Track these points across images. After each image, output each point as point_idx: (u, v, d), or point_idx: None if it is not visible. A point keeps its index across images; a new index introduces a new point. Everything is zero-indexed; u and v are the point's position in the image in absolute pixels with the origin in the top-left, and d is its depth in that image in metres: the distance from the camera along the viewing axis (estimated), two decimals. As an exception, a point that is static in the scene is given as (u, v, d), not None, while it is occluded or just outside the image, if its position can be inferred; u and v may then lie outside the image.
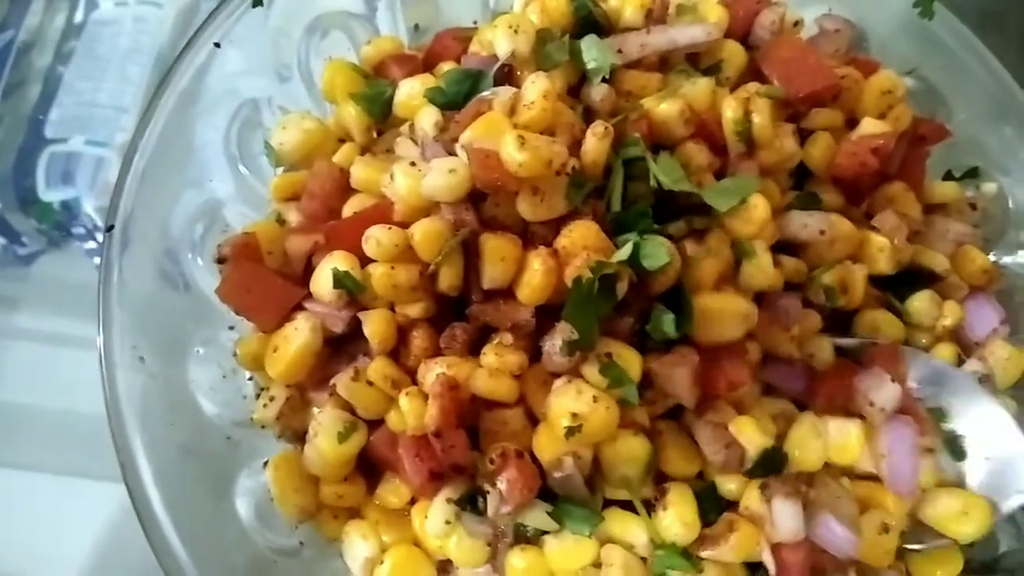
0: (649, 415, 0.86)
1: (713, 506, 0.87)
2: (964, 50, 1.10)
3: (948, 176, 1.09)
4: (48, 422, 1.26)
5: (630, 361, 0.85)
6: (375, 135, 1.02)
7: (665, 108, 0.91)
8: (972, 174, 1.08)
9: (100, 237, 1.35)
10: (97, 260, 1.35)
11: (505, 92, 0.88)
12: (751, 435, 0.86)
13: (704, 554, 0.85)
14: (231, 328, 0.95)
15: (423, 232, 0.84)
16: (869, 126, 0.97)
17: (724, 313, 0.87)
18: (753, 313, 0.88)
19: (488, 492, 0.83)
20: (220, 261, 0.92)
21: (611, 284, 0.81)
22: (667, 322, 0.85)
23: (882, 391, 0.91)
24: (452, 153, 0.87)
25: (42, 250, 1.40)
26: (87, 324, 1.29)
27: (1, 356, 1.31)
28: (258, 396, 0.93)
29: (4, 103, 1.46)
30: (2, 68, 1.50)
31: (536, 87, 0.86)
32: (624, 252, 0.83)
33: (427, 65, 1.04)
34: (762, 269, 0.90)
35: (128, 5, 1.54)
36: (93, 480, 1.20)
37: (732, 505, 0.88)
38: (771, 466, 0.86)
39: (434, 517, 0.85)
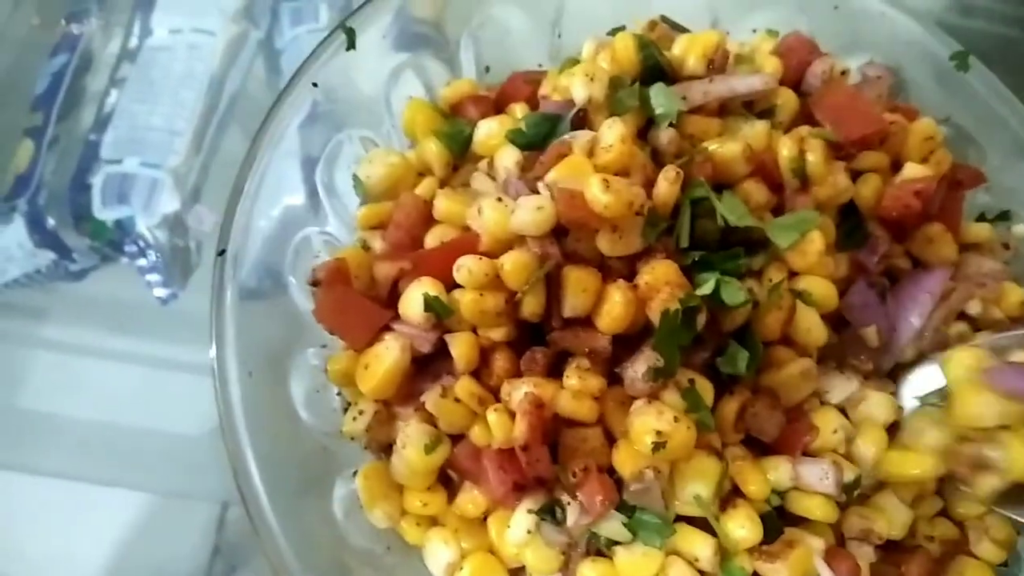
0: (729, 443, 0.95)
1: (774, 525, 0.94)
2: (995, 99, 1.18)
3: (981, 218, 1.16)
4: (80, 432, 1.32)
5: (705, 389, 0.93)
6: (452, 170, 1.09)
7: (729, 148, 0.99)
8: (1004, 217, 1.16)
9: (153, 255, 1.43)
10: (148, 278, 1.43)
11: (584, 135, 0.96)
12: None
13: (761, 568, 0.92)
14: (323, 346, 1.02)
15: (512, 263, 0.91)
16: (912, 171, 1.05)
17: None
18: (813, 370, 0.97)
19: (568, 504, 0.90)
20: (314, 284, 0.99)
21: (693, 317, 0.88)
22: (741, 359, 0.93)
23: None
24: (534, 191, 0.94)
25: (93, 267, 1.47)
26: (128, 339, 1.38)
27: (38, 366, 1.37)
28: (346, 410, 1.00)
29: (59, 125, 1.52)
30: (57, 91, 1.56)
31: (613, 131, 0.94)
32: (707, 288, 0.91)
33: (499, 105, 1.12)
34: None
35: (182, 33, 1.61)
36: (120, 489, 1.27)
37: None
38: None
39: (516, 526, 0.91)
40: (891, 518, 0.99)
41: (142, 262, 1.44)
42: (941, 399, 0.99)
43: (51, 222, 1.44)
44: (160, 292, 1.44)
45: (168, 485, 1.29)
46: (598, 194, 0.87)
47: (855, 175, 1.06)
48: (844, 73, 1.12)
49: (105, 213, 1.44)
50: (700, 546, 0.90)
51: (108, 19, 1.65)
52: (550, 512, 0.91)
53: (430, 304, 0.93)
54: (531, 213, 0.90)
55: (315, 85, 1.03)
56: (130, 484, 1.27)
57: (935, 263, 1.08)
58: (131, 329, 1.42)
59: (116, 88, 1.57)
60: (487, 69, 1.20)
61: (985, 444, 0.94)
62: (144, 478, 1.28)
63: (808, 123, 1.06)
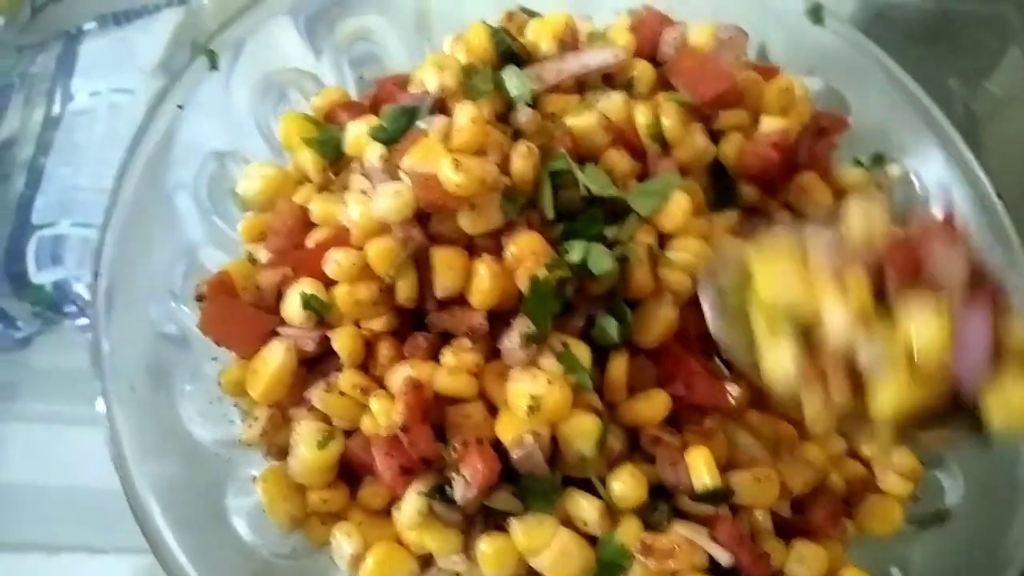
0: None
1: (662, 496, 0.95)
2: (858, 52, 1.21)
3: (856, 164, 1.19)
4: (52, 501, 1.29)
5: (581, 351, 0.94)
6: (332, 175, 1.11)
7: (584, 119, 1.02)
8: (878, 160, 1.18)
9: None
10: (90, 335, 1.44)
11: (439, 121, 0.98)
12: (700, 472, 0.92)
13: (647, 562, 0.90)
14: (214, 359, 1.03)
15: (376, 250, 0.93)
16: (768, 124, 1.08)
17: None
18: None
19: (455, 480, 0.90)
20: (199, 299, 1.01)
21: (563, 283, 0.91)
22: (611, 327, 0.95)
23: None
24: (397, 179, 0.96)
25: (37, 331, 1.47)
26: (83, 401, 1.36)
27: (6, 439, 1.35)
28: (243, 420, 1.01)
29: (-8, 198, 1.56)
30: (-14, 166, 1.60)
31: (464, 113, 0.96)
32: (576, 254, 0.93)
33: (373, 109, 1.14)
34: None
35: (102, 94, 1.65)
36: (98, 554, 1.24)
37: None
38: (714, 500, 0.93)
39: (407, 509, 0.92)
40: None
41: (82, 321, 1.44)
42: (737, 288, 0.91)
43: (-9, 294, 1.46)
44: (104, 350, 1.45)
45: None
46: (449, 174, 0.90)
47: (720, 136, 1.09)
48: (701, 41, 1.15)
49: (41, 276, 1.46)
50: (587, 509, 0.90)
51: (30, 91, 1.69)
52: (441, 492, 0.91)
53: (307, 302, 0.96)
54: (390, 199, 0.93)
55: (180, 107, 1.07)
56: (118, 548, 1.24)
57: (811, 211, 1.11)
58: (84, 390, 1.42)
59: (43, 155, 1.60)
60: (361, 77, 1.23)
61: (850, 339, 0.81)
62: (131, 540, 1.22)
63: (667, 91, 1.09)
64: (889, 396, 0.79)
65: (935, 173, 1.17)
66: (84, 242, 1.47)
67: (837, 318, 0.80)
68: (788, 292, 0.84)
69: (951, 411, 0.80)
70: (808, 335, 0.82)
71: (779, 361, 0.83)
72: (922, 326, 0.78)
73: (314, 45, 1.21)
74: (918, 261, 0.81)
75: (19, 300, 1.45)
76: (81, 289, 1.44)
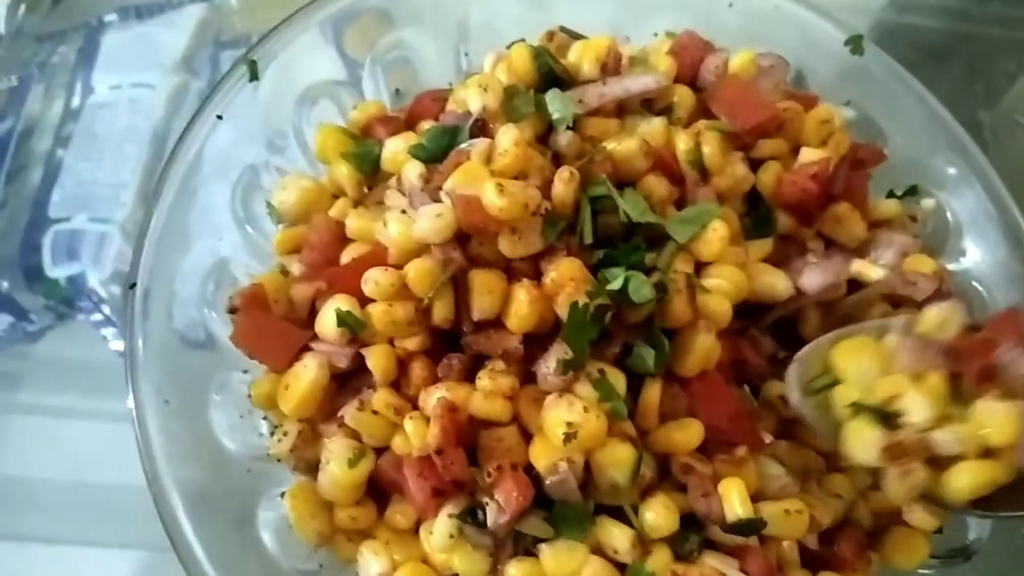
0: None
1: (693, 526, 0.95)
2: (894, 81, 1.22)
3: (890, 195, 1.19)
4: (55, 494, 1.30)
5: (617, 379, 0.94)
6: (366, 190, 1.11)
7: (626, 145, 1.02)
8: (912, 192, 1.18)
9: (106, 309, 1.43)
10: (103, 331, 1.44)
11: (481, 143, 0.98)
12: (733, 503, 0.92)
13: None
14: (245, 372, 1.03)
15: (416, 271, 0.93)
16: (807, 155, 1.08)
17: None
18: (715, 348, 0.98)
19: (487, 504, 0.90)
20: (232, 311, 1.01)
21: (601, 310, 0.91)
22: (649, 357, 0.95)
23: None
24: (437, 200, 0.96)
25: (49, 325, 1.46)
26: (93, 397, 1.38)
27: (10, 431, 1.36)
28: (272, 433, 1.01)
29: (8, 188, 1.54)
30: (4, 155, 1.58)
31: (507, 136, 0.96)
32: (616, 283, 0.93)
33: (409, 124, 1.15)
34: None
35: (122, 88, 1.64)
36: (102, 548, 1.25)
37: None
38: (746, 532, 0.93)
39: (438, 531, 0.91)
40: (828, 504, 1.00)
41: (96, 317, 1.45)
42: (828, 383, 0.99)
43: (5, 285, 1.46)
44: (116, 346, 1.44)
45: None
46: (493, 198, 0.90)
47: (757, 164, 1.09)
48: (740, 68, 1.15)
49: (56, 271, 1.46)
50: (619, 537, 0.90)
51: (50, 82, 1.68)
52: (472, 515, 0.91)
53: (342, 319, 0.95)
54: (431, 221, 0.92)
55: (220, 117, 1.06)
56: (119, 543, 1.25)
57: (845, 241, 1.11)
58: (92, 385, 1.41)
59: (61, 147, 1.60)
60: (397, 92, 1.23)
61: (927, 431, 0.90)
62: (132, 535, 1.25)
63: (706, 117, 1.09)
64: (964, 480, 0.90)
65: (969, 205, 1.17)
66: (101, 237, 1.48)
67: (918, 415, 0.90)
68: (872, 387, 0.94)
69: (1018, 482, 0.90)
70: (887, 420, 0.91)
71: (862, 445, 0.91)
72: (994, 423, 0.89)
73: (349, 56, 1.21)
74: (990, 364, 0.92)
75: (33, 294, 1.45)
76: (96, 284, 1.44)
